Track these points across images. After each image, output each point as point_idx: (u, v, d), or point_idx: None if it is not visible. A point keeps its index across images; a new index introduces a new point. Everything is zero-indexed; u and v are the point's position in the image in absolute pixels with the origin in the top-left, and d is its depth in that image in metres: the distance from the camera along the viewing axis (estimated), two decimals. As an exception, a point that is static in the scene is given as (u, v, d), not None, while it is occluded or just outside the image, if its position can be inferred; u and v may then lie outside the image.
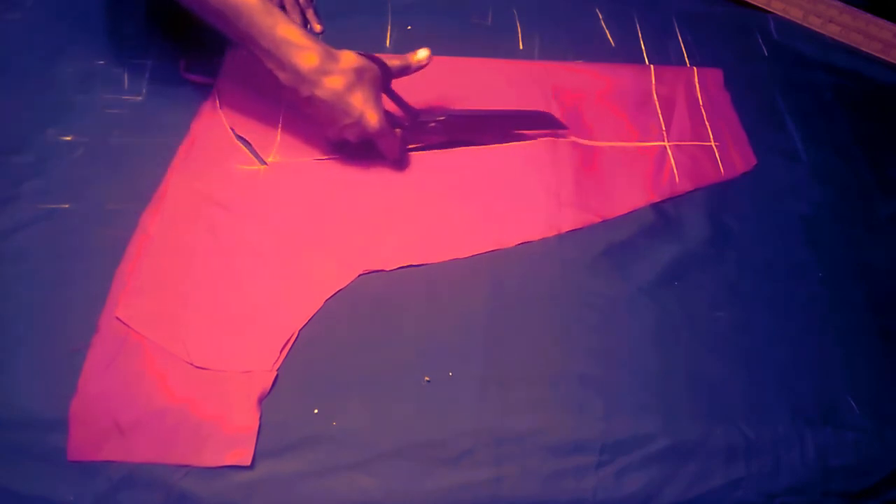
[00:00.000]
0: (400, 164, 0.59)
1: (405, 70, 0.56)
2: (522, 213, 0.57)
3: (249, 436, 0.45)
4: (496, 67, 0.66)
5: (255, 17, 0.50)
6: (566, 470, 0.45)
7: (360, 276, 0.52)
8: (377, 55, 0.55)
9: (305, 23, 0.68)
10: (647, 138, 0.64)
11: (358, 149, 0.57)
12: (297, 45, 0.51)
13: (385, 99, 0.56)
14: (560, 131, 0.62)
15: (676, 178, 0.61)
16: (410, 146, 0.60)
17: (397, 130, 0.57)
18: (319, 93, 0.52)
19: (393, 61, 0.55)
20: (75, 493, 0.43)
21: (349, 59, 0.52)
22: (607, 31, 0.72)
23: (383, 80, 0.55)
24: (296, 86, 0.52)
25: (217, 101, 0.61)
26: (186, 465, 0.44)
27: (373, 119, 0.54)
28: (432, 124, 0.59)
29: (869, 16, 0.75)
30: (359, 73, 0.52)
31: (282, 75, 0.52)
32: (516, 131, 0.62)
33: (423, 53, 0.56)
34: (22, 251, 0.51)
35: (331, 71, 0.51)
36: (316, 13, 0.69)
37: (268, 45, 0.50)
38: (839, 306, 0.54)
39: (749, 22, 0.75)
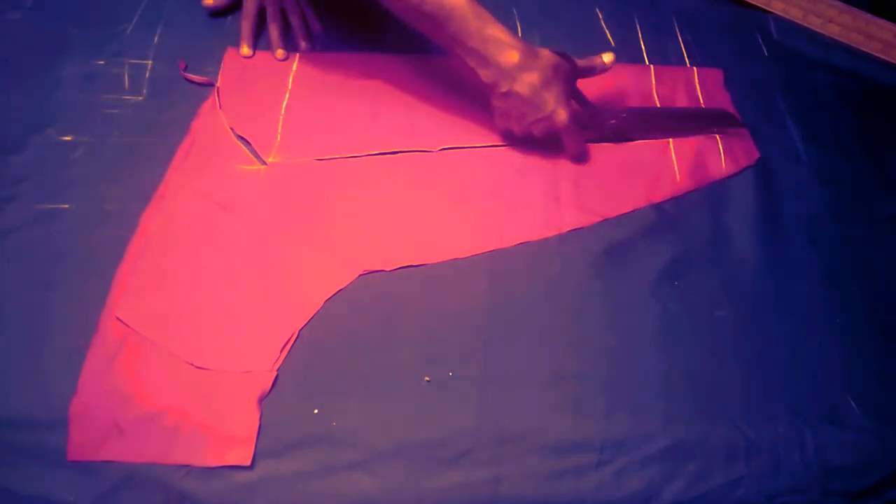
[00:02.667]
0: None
1: (591, 71, 0.59)
2: (522, 212, 0.57)
3: (249, 436, 0.45)
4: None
5: (467, 18, 0.53)
6: (566, 470, 0.45)
7: (360, 276, 0.52)
8: (567, 54, 0.57)
9: (305, 23, 0.68)
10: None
11: (536, 142, 0.59)
12: (503, 43, 0.54)
13: None
14: (740, 129, 0.63)
15: (677, 177, 0.61)
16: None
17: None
18: (518, 88, 0.54)
19: (581, 61, 0.58)
20: (75, 493, 0.42)
21: (546, 56, 0.55)
22: (607, 31, 0.72)
23: (573, 78, 0.57)
24: (497, 81, 0.55)
25: (217, 101, 0.61)
26: (186, 465, 0.43)
27: (563, 115, 0.56)
28: (612, 121, 0.61)
29: (869, 16, 0.75)
30: (554, 69, 0.55)
31: (483, 72, 0.55)
32: (693, 130, 0.63)
33: (608, 57, 0.59)
34: (21, 251, 0.51)
35: (530, 67, 0.54)
36: (315, 13, 0.69)
37: (475, 44, 0.53)
38: (839, 306, 0.54)
39: (749, 22, 0.75)
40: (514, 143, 0.61)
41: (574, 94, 0.59)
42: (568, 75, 0.57)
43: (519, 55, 0.54)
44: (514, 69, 0.54)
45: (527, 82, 0.54)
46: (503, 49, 0.54)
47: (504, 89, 0.55)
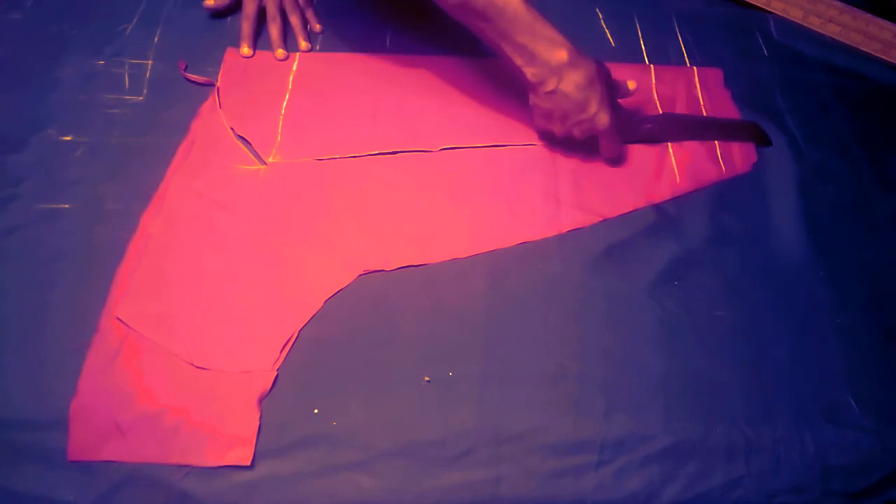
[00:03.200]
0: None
1: (616, 90, 0.59)
2: (522, 213, 0.57)
3: (249, 436, 0.45)
4: (497, 67, 0.66)
5: (518, 14, 0.53)
6: (566, 469, 0.45)
7: (360, 276, 0.52)
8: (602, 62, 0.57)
9: (305, 23, 0.68)
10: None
11: (574, 143, 0.60)
12: (552, 41, 0.54)
13: None
14: (763, 146, 0.63)
15: (677, 178, 0.61)
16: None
17: None
18: (563, 87, 0.55)
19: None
20: (75, 493, 0.43)
21: (590, 60, 0.56)
22: (607, 31, 0.72)
23: (611, 83, 0.58)
24: (543, 79, 0.55)
25: (217, 101, 0.61)
26: (186, 465, 0.44)
27: (604, 117, 0.56)
28: (647, 125, 0.62)
29: (869, 16, 0.75)
30: (598, 72, 0.56)
31: (530, 70, 0.55)
32: (724, 140, 0.64)
33: (632, 84, 0.60)
34: (22, 251, 0.51)
35: (577, 67, 0.54)
36: (315, 13, 0.69)
37: (524, 40, 0.53)
38: (840, 306, 0.54)
39: (749, 22, 0.75)
40: (553, 144, 0.61)
41: (612, 99, 0.60)
42: (610, 79, 0.57)
43: (567, 54, 0.54)
44: (562, 67, 0.54)
45: (573, 81, 0.54)
46: (553, 47, 0.54)
47: (550, 87, 0.55)
